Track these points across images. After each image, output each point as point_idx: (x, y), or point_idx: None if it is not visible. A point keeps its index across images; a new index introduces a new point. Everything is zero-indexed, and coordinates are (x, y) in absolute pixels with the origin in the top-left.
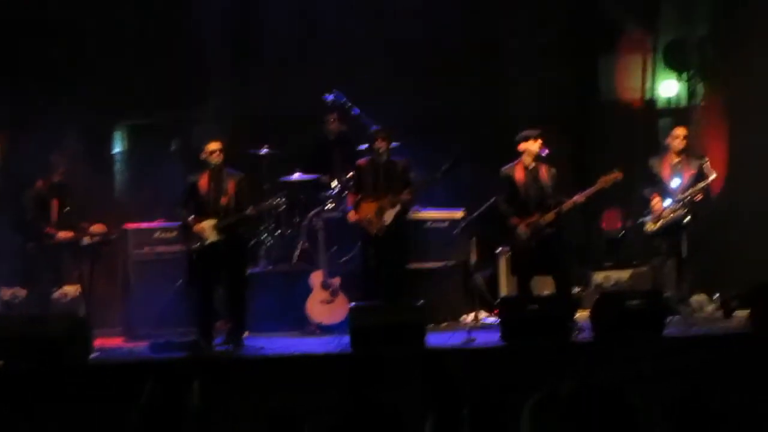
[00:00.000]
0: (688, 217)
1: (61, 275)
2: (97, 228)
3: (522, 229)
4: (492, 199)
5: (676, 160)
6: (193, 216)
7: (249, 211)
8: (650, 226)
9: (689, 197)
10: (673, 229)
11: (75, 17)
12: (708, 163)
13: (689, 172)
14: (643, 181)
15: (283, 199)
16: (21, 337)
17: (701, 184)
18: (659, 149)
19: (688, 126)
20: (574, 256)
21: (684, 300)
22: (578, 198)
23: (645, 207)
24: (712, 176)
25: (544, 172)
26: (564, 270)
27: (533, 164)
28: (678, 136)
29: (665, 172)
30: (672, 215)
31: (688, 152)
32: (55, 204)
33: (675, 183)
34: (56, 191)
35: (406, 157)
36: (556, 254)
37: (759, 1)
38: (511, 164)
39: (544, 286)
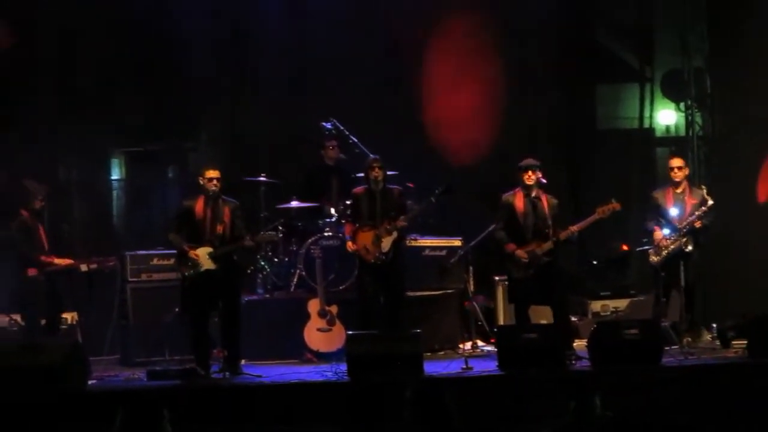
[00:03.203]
0: (690, 247)
1: (59, 301)
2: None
3: (520, 254)
4: (490, 227)
5: (678, 190)
6: (187, 242)
7: (246, 242)
8: (653, 258)
9: (687, 226)
10: (676, 259)
11: (69, 48)
12: (705, 191)
13: (691, 202)
14: (648, 213)
15: (280, 235)
16: (17, 365)
17: (698, 212)
18: (657, 180)
19: (684, 155)
20: (571, 286)
21: (685, 330)
22: (575, 228)
23: (646, 237)
24: (709, 203)
25: (545, 202)
26: (561, 299)
27: (534, 193)
28: (673, 166)
29: (668, 203)
30: (673, 246)
31: (690, 182)
32: (41, 231)
33: (674, 212)
34: (40, 218)
35: (400, 186)
36: (553, 284)
37: (753, 33)
38: (511, 191)
39: (542, 316)
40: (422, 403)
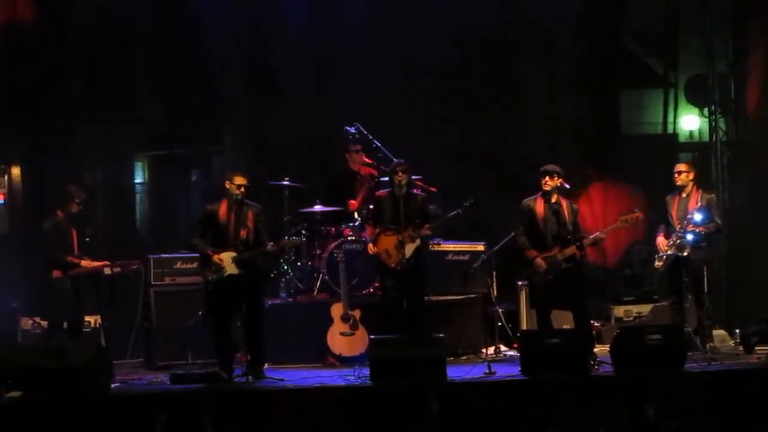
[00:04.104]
0: (686, 251)
1: (82, 304)
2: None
3: (539, 263)
4: (512, 233)
5: (683, 195)
6: (210, 247)
7: (269, 248)
8: (657, 264)
9: (683, 230)
10: (678, 263)
11: (94, 54)
12: (713, 196)
13: (693, 207)
14: (662, 219)
15: (304, 239)
16: (40, 367)
17: (689, 216)
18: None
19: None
20: (594, 290)
21: (704, 335)
22: (597, 235)
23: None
24: (698, 206)
25: (565, 207)
26: (582, 305)
27: (554, 199)
28: (675, 171)
29: (673, 208)
30: (670, 251)
31: (698, 187)
32: (74, 234)
33: (698, 217)
34: (74, 221)
35: (424, 191)
36: (573, 289)
37: None
38: (532, 196)
39: (565, 321)
40: (447, 407)
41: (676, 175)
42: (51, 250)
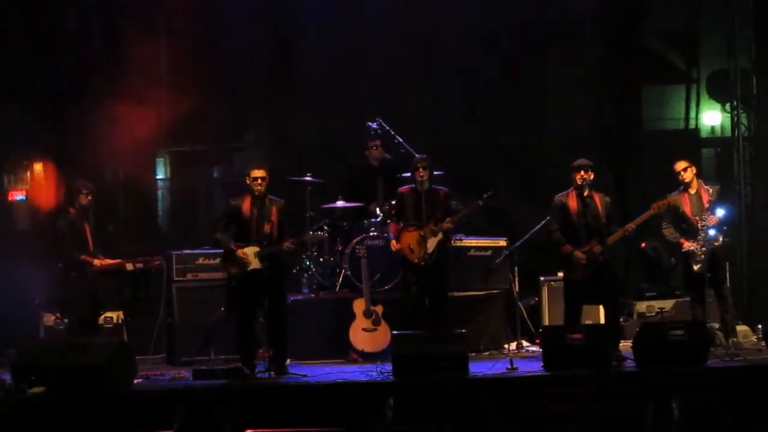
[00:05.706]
0: (719, 241)
1: (101, 302)
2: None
3: (579, 256)
4: (535, 228)
5: (692, 191)
6: (233, 241)
7: (286, 245)
8: (696, 267)
9: (706, 224)
10: (715, 259)
11: (117, 49)
12: (718, 187)
13: (707, 199)
14: (664, 216)
15: (326, 234)
16: (63, 364)
17: (708, 206)
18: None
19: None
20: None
21: (726, 330)
22: (631, 225)
23: (668, 244)
24: (714, 195)
25: (598, 201)
26: (615, 299)
27: (586, 192)
28: (678, 170)
29: (685, 206)
30: (704, 247)
31: (702, 181)
32: (87, 229)
33: (720, 212)
34: (86, 216)
35: (446, 187)
36: (608, 284)
37: None
38: (564, 192)
39: (588, 316)
40: (459, 406)
41: (682, 173)
42: (65, 249)
